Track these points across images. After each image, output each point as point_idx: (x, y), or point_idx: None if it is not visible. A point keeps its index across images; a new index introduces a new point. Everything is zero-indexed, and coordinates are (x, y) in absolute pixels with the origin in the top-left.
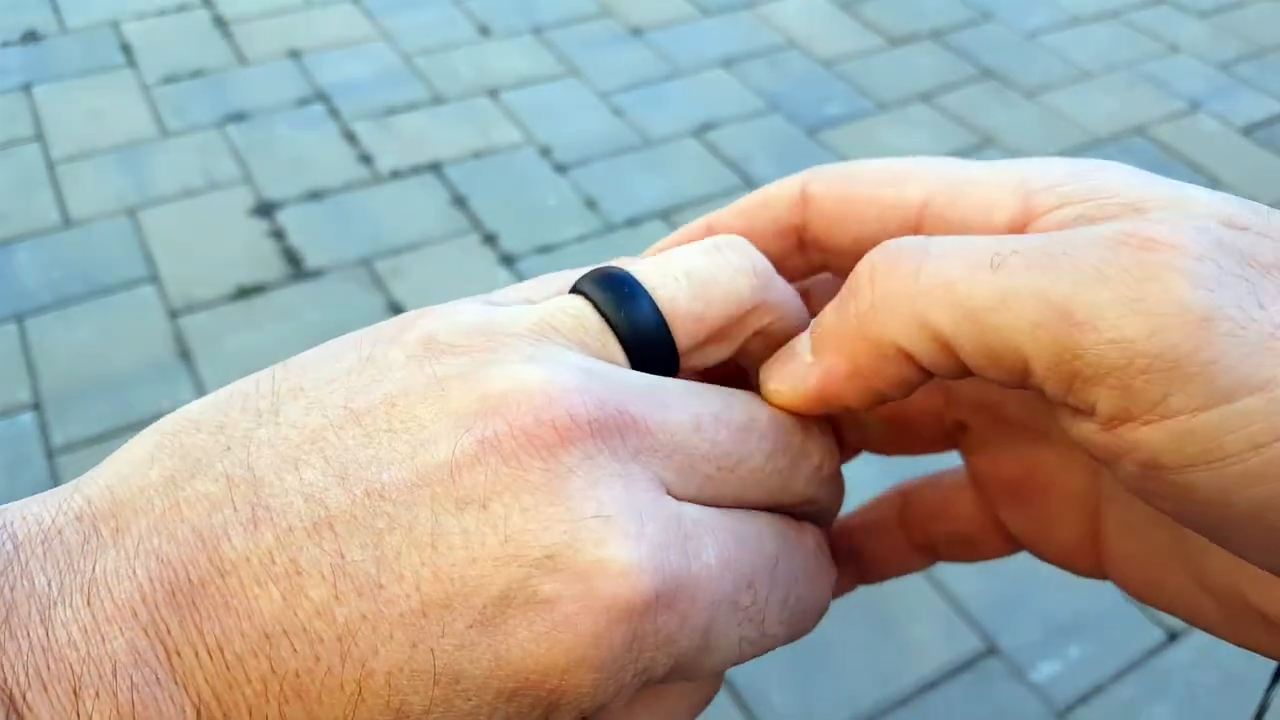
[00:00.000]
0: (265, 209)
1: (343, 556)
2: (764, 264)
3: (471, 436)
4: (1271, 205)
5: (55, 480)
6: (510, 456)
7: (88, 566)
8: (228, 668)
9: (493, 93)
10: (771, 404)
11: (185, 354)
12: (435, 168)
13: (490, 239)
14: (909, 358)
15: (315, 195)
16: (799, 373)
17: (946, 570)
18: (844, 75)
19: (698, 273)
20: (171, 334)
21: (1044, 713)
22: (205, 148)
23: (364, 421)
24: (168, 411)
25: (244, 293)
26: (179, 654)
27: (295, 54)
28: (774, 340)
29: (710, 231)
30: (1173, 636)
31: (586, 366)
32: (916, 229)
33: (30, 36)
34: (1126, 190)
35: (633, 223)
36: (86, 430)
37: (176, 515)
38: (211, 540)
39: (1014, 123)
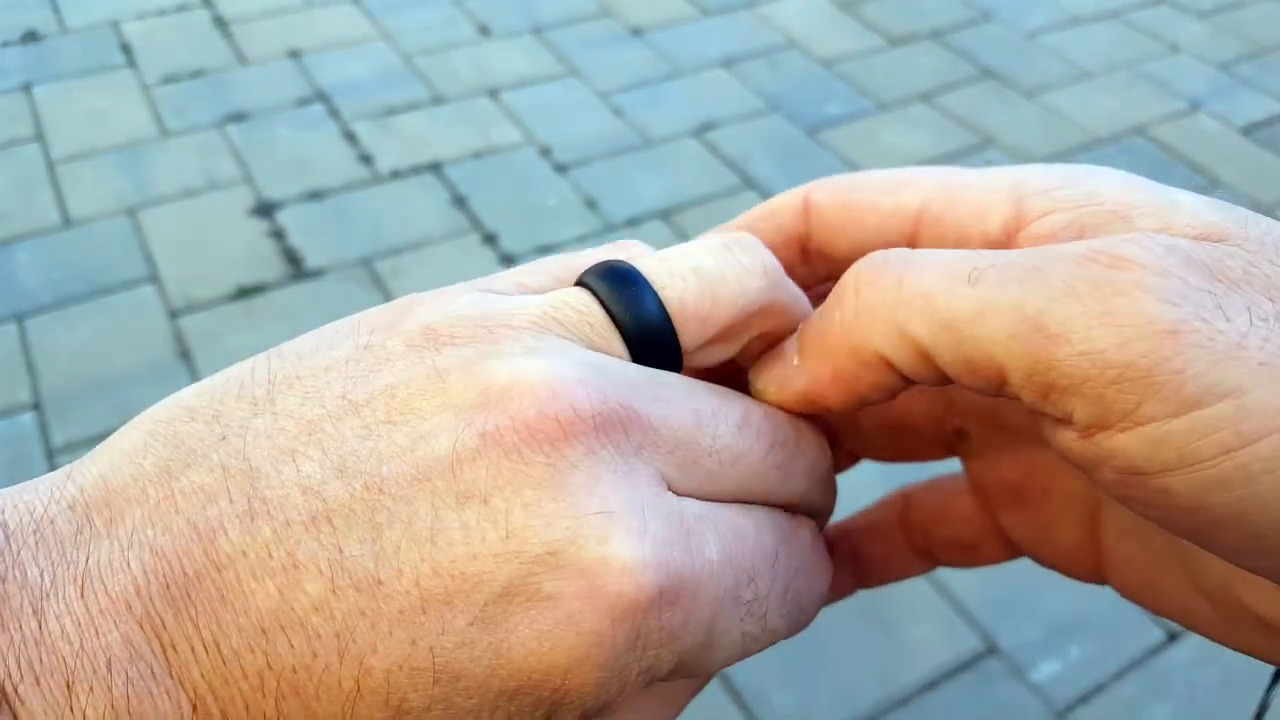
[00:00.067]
0: (265, 209)
1: (341, 551)
2: (774, 264)
3: (473, 430)
4: (1272, 205)
5: None
6: (512, 451)
7: (81, 558)
8: (224, 663)
9: (493, 93)
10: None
11: (185, 354)
12: (435, 168)
13: (490, 239)
14: (889, 365)
15: (315, 195)
16: (785, 375)
17: (947, 570)
18: (844, 75)
19: (706, 271)
20: (171, 334)
21: (1044, 713)
22: (205, 148)
23: (362, 413)
24: None
25: (244, 293)
26: (174, 648)
27: (295, 54)
28: (777, 342)
29: None
30: (1173, 636)
31: (589, 360)
32: (914, 235)
33: (30, 36)
34: (1115, 196)
35: (633, 223)
36: (86, 430)
37: (171, 506)
38: (207, 533)
39: (1014, 123)
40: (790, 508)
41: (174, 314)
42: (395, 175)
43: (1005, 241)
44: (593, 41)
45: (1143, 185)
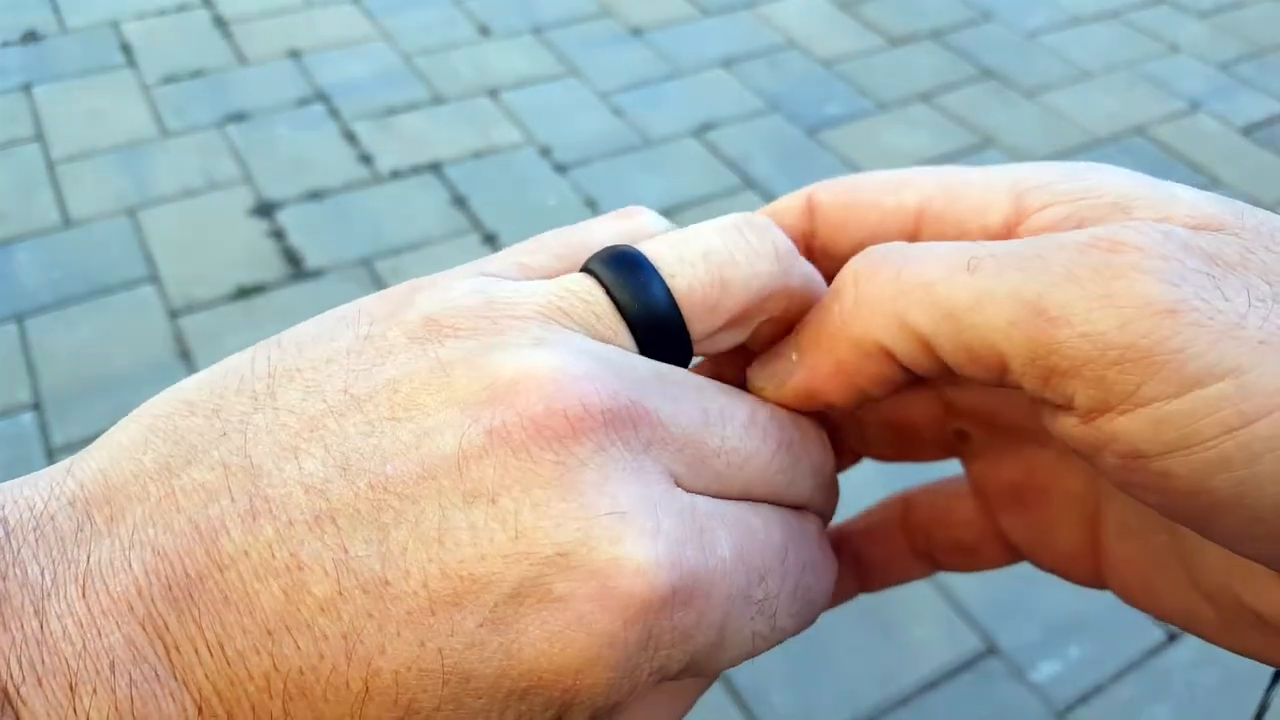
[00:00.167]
0: (265, 209)
1: (346, 551)
2: (786, 245)
3: (479, 427)
4: (1272, 205)
5: None
6: (520, 448)
7: (81, 556)
8: (229, 664)
9: (493, 93)
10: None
11: (185, 354)
12: (435, 168)
13: (490, 239)
14: (890, 356)
15: (315, 195)
16: (784, 370)
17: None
18: (844, 75)
19: (715, 255)
20: (171, 334)
21: (1044, 713)
22: (205, 148)
23: (365, 408)
24: None
25: (244, 293)
26: (178, 650)
27: (295, 54)
28: (790, 326)
29: None
30: (1172, 637)
31: (596, 352)
32: (915, 232)
33: (30, 36)
34: (1115, 190)
35: None
36: (86, 430)
37: (172, 505)
38: (209, 532)
39: (1014, 123)
40: (794, 508)
41: (174, 314)
42: (395, 175)
43: (1005, 236)
44: (593, 41)
45: (1142, 180)
